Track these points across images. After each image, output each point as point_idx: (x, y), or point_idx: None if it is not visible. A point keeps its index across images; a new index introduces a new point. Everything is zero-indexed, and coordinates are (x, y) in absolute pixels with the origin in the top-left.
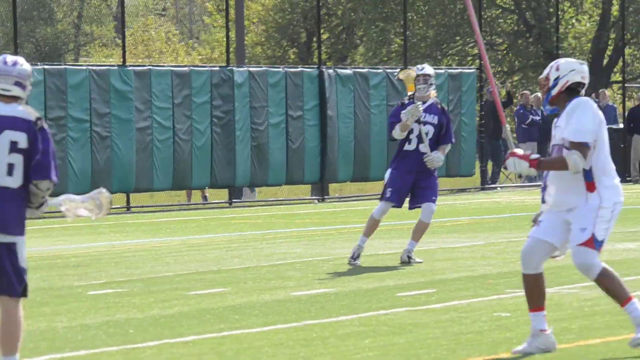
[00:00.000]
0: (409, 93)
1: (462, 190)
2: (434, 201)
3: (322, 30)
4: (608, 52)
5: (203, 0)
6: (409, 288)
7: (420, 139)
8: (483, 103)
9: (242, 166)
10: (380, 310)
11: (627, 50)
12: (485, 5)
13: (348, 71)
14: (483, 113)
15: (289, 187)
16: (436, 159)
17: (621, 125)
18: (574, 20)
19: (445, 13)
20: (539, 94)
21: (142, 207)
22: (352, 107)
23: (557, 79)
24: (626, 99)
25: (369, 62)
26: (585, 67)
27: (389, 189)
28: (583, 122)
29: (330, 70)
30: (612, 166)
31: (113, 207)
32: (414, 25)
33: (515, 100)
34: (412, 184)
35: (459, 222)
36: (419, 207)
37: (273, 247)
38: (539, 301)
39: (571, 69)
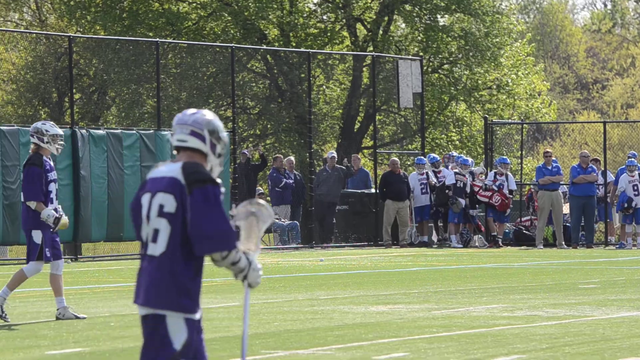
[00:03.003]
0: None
1: None
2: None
3: (74, 91)
4: (359, 118)
5: None
6: None
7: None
8: (236, 165)
9: None
10: None
11: (377, 117)
12: (237, 69)
13: (101, 132)
14: (236, 175)
15: None
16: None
17: (373, 190)
18: (324, 87)
19: (197, 76)
20: (292, 158)
21: None
22: (105, 167)
23: None
24: (377, 164)
25: (122, 123)
26: None
27: (47, 249)
28: None
29: (83, 130)
30: None
31: None
32: (167, 87)
33: (269, 164)
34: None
35: (215, 283)
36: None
37: (26, 306)
38: None
39: None
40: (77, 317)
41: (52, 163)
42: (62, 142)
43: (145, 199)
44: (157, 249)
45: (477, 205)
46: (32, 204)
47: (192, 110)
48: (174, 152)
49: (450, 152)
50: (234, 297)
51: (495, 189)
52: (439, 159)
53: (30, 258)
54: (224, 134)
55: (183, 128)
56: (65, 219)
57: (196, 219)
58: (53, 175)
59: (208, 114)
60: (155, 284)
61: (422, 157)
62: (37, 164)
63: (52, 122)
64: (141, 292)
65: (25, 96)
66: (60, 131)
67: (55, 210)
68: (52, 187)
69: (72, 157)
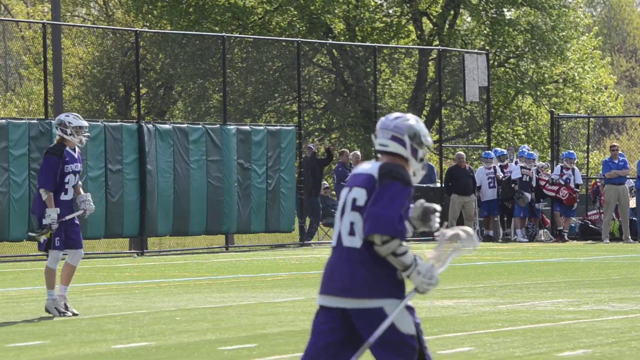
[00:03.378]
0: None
1: (282, 246)
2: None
3: (140, 85)
4: (425, 112)
5: (19, 53)
6: (230, 342)
7: (75, 189)
8: (302, 160)
9: None
10: None
11: (443, 111)
12: (303, 63)
13: (167, 126)
14: (302, 170)
15: (107, 241)
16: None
17: (438, 184)
18: (390, 81)
19: (263, 70)
20: (358, 152)
21: None
22: (171, 161)
23: None
24: (443, 158)
25: (188, 118)
26: None
27: (57, 238)
28: None
29: (150, 125)
30: None
31: None
32: (233, 82)
33: (334, 158)
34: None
35: (280, 277)
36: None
37: (92, 300)
38: None
39: None
40: (60, 313)
41: (76, 155)
42: (87, 134)
43: (343, 193)
44: (356, 241)
45: (541, 200)
46: (44, 194)
47: (395, 115)
48: (378, 155)
49: (522, 146)
50: (299, 291)
51: (562, 183)
52: (505, 153)
53: (40, 246)
54: (428, 139)
55: (385, 132)
56: (42, 237)
57: (371, 203)
58: (74, 167)
59: (410, 119)
60: (365, 276)
61: (489, 152)
62: (56, 153)
63: (76, 114)
64: (347, 285)
65: (92, 91)
66: (84, 123)
67: (71, 201)
68: (70, 178)
69: (139, 151)
